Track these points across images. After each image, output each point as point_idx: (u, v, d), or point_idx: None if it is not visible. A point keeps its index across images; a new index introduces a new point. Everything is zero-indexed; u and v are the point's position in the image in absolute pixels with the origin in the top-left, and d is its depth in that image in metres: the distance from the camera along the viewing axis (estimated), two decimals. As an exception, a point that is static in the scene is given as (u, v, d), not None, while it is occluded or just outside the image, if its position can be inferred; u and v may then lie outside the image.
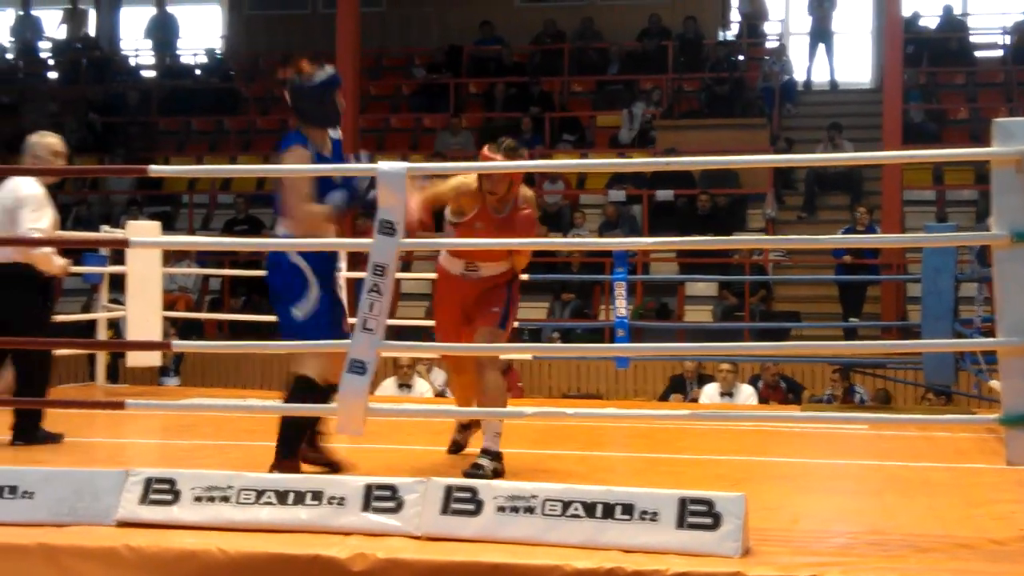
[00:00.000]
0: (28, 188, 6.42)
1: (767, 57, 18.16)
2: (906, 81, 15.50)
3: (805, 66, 18.41)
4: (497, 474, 5.27)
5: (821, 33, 18.12)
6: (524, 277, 11.64)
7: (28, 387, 6.30)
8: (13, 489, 4.39)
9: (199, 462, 5.41)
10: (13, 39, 21.43)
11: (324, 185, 4.98)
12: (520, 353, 11.04)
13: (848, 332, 12.89)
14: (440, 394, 10.95)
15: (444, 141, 16.87)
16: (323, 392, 5.02)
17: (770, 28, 19.39)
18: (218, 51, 21.02)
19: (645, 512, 3.97)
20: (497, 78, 18.24)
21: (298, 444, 5.07)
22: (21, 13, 21.35)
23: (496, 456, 5.40)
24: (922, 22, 18.32)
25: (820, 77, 18.33)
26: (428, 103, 18.15)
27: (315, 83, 5.08)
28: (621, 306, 9.44)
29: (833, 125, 15.58)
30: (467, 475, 5.10)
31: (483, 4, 19.36)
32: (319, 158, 5.08)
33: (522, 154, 5.79)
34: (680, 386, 11.19)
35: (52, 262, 6.44)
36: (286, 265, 5.02)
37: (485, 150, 5.66)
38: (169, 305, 9.53)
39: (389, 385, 10.26)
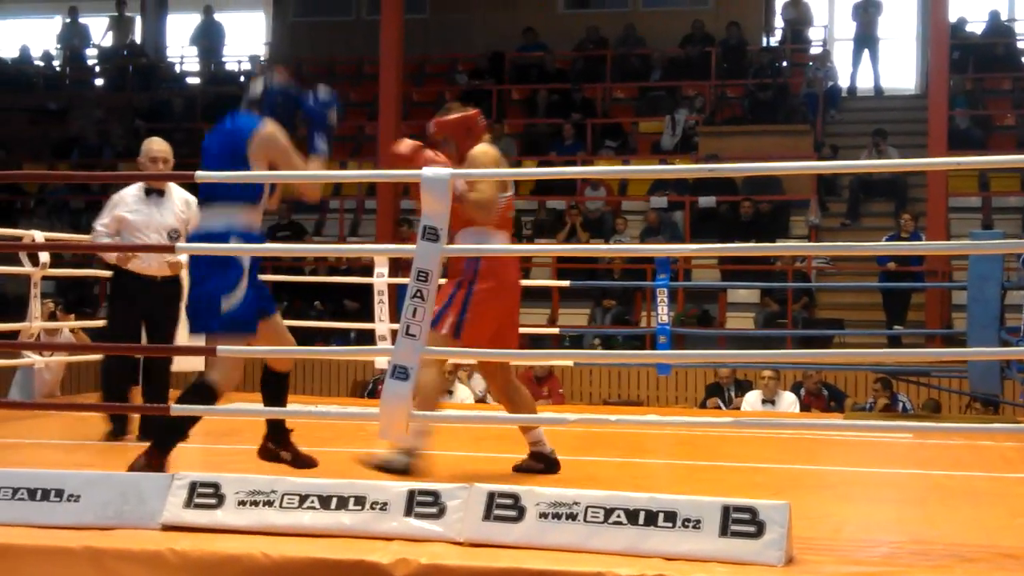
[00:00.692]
0: (126, 191, 6.85)
1: (811, 63, 18.06)
2: (952, 87, 15.38)
3: (849, 72, 18.31)
4: (403, 469, 5.08)
5: (866, 39, 18.01)
6: (564, 284, 11.81)
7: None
8: (59, 492, 4.43)
9: (241, 466, 5.43)
10: (61, 46, 21.66)
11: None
12: (561, 359, 11.04)
13: (892, 340, 12.79)
14: (481, 400, 10.97)
15: (486, 147, 16.88)
16: (214, 399, 5.06)
17: (814, 34, 19.29)
18: (262, 58, 21.15)
19: (688, 520, 3.95)
20: (539, 84, 18.26)
21: (171, 445, 5.06)
22: (69, 21, 21.57)
23: (409, 452, 5.17)
24: (968, 28, 18.18)
25: (864, 83, 18.21)
26: (470, 109, 18.17)
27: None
28: (663, 312, 9.43)
29: (878, 131, 15.49)
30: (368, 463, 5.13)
31: (526, 11, 19.39)
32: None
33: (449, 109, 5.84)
34: (720, 393, 11.15)
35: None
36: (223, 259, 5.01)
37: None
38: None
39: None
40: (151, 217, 6.74)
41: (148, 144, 6.86)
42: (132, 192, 6.87)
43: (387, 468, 5.12)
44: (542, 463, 5.69)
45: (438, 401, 5.51)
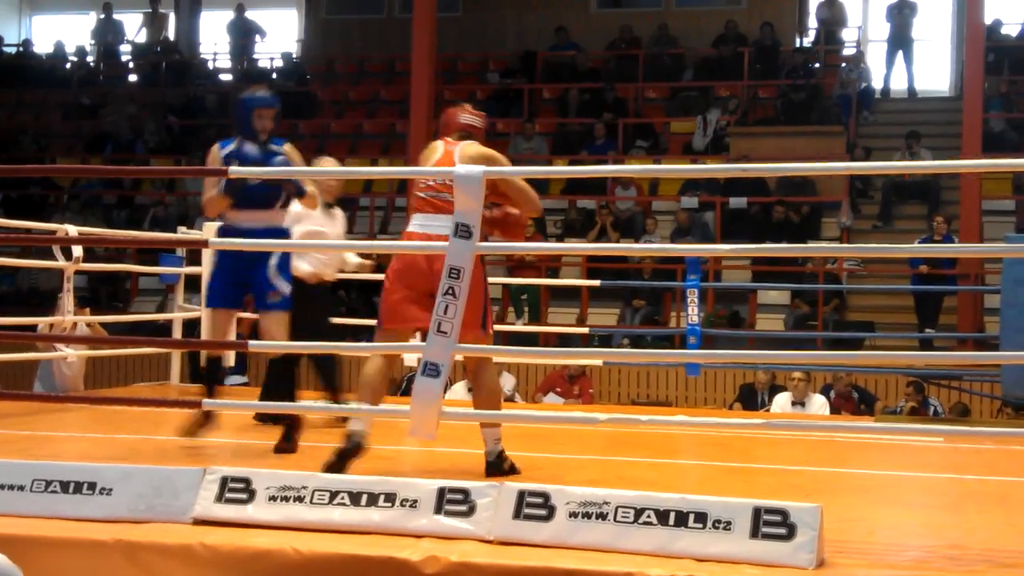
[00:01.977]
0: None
1: (844, 64, 17.96)
2: (986, 89, 15.27)
3: (883, 73, 18.20)
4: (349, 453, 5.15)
5: (900, 40, 17.90)
6: (595, 283, 11.79)
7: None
8: (92, 485, 4.46)
9: (271, 462, 5.45)
10: (95, 42, 21.79)
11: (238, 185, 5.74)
12: (590, 359, 11.02)
13: (924, 343, 12.72)
14: (509, 398, 10.96)
15: (517, 146, 16.90)
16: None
17: (848, 35, 19.19)
18: (294, 55, 21.22)
19: (719, 521, 3.94)
20: (571, 84, 18.24)
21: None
22: (103, 17, 21.69)
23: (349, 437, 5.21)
24: (1004, 30, 18.03)
25: (898, 85, 18.10)
26: (502, 108, 18.19)
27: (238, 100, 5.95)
28: (693, 313, 9.40)
29: (911, 133, 15.40)
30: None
31: (559, 10, 19.37)
32: (239, 158, 5.87)
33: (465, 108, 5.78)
34: (750, 396, 11.10)
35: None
36: None
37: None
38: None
39: (459, 388, 10.27)
40: (330, 228, 7.19)
41: (318, 162, 7.48)
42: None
43: (338, 458, 5.09)
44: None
45: (382, 393, 5.48)
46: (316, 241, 6.83)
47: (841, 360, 9.65)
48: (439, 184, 5.26)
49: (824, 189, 15.44)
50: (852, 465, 6.45)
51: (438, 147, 5.44)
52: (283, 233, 6.13)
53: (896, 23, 17.87)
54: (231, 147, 5.99)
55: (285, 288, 6.08)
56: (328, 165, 7.42)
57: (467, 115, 5.61)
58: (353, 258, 7.53)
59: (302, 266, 7.06)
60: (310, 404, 7.00)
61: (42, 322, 8.51)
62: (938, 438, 7.37)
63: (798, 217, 14.79)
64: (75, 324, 8.37)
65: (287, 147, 6.08)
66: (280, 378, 6.59)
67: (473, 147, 5.37)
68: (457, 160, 5.22)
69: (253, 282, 6.03)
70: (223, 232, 6.09)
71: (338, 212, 7.42)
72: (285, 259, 6.13)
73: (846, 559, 3.97)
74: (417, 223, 5.32)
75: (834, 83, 17.38)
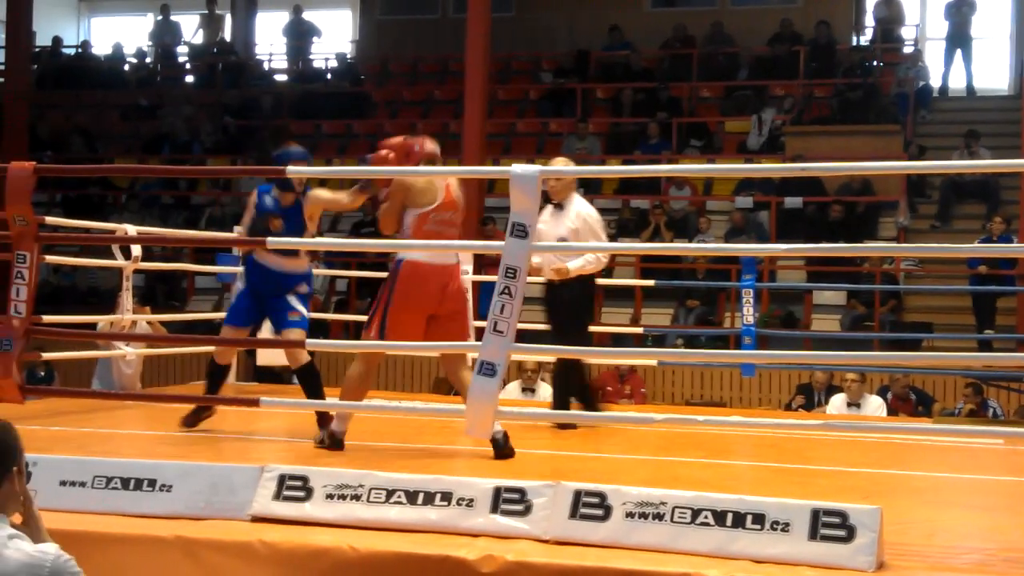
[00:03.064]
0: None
1: (902, 63, 17.78)
2: (1047, 87, 15.08)
3: (941, 72, 17.99)
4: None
5: (959, 38, 17.68)
6: (649, 283, 11.74)
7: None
8: (152, 482, 4.50)
9: (327, 460, 5.48)
10: (152, 44, 22.02)
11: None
12: (645, 359, 10.99)
13: (982, 344, 12.57)
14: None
15: (570, 146, 16.89)
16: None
17: (906, 33, 19.00)
18: (349, 56, 21.31)
19: (777, 522, 3.91)
20: (625, 83, 18.18)
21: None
22: (160, 19, 21.91)
23: (331, 436, 5.98)
24: (1064, 28, 17.81)
25: (957, 83, 17.89)
26: (555, 108, 18.18)
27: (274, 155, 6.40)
28: (748, 313, 9.34)
29: (970, 132, 15.22)
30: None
31: (613, 9, 19.32)
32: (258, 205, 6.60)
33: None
34: (808, 395, 11.02)
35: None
36: None
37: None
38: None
39: (513, 389, 10.28)
40: (550, 228, 7.25)
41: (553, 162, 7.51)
42: (548, 207, 7.40)
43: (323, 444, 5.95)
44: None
45: (363, 393, 6.11)
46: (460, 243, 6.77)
47: (898, 361, 9.56)
48: (447, 220, 6.00)
49: (881, 188, 15.28)
50: (910, 467, 6.39)
51: (439, 184, 6.01)
52: (307, 278, 6.74)
53: (955, 21, 17.66)
54: (267, 196, 6.55)
55: (303, 310, 6.64)
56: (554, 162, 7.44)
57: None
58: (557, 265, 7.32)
59: (534, 259, 7.13)
60: (376, 403, 7.03)
61: (102, 320, 8.60)
62: (998, 440, 7.28)
63: (862, 209, 14.66)
64: (134, 322, 8.44)
65: (312, 193, 6.56)
66: (568, 384, 7.17)
67: (455, 180, 6.02)
68: (454, 192, 6.05)
69: (274, 308, 6.66)
70: (250, 264, 6.69)
71: (573, 212, 7.32)
72: (304, 294, 6.70)
73: (906, 562, 3.93)
74: (428, 256, 5.91)
75: (891, 82, 17.20)
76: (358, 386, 6.04)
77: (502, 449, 5.82)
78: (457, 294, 6.13)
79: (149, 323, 9.17)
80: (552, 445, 6.51)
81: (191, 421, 6.69)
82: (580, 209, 7.35)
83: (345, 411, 6.04)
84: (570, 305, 7.31)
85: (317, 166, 16.41)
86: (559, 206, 7.31)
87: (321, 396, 6.54)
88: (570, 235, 7.16)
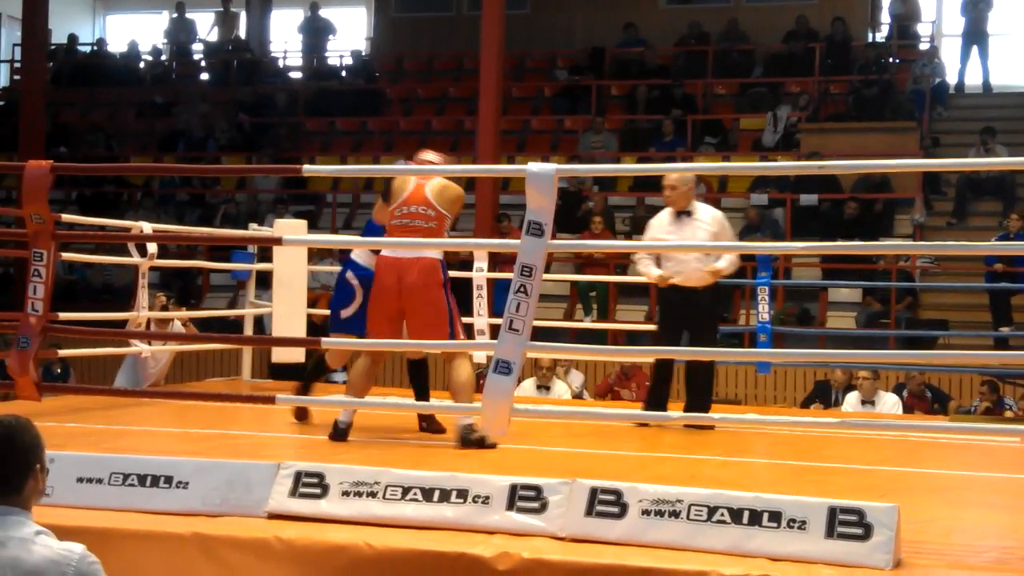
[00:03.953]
0: (659, 216, 7.59)
1: (918, 59, 17.72)
2: (1064, 84, 15.01)
3: (957, 68, 17.92)
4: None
5: (975, 34, 17.62)
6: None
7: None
8: (168, 479, 4.51)
9: (342, 457, 5.48)
10: (168, 41, 22.07)
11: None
12: (659, 356, 10.94)
13: (999, 342, 12.52)
14: (578, 396, 10.95)
15: (585, 143, 16.87)
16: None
17: (922, 29, 18.93)
18: (364, 53, 21.33)
19: (793, 520, 3.90)
20: (640, 80, 18.16)
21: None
22: (176, 16, 21.96)
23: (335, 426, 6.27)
24: (1082, 24, 17.72)
25: (973, 80, 17.82)
26: (569, 105, 18.17)
27: None
28: (764, 310, 9.32)
29: (986, 129, 15.16)
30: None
31: (627, 6, 19.31)
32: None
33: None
34: (825, 393, 10.99)
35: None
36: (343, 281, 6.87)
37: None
38: (311, 303, 9.71)
39: (528, 386, 10.28)
40: (681, 235, 7.25)
41: (666, 177, 7.59)
42: (663, 217, 7.48)
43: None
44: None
45: (369, 385, 6.47)
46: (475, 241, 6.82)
47: (914, 359, 9.52)
48: (411, 213, 6.21)
49: (897, 186, 15.24)
50: (927, 465, 6.37)
51: (410, 180, 6.29)
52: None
53: (971, 17, 17.60)
54: None
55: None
56: (681, 174, 7.50)
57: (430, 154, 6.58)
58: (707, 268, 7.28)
59: (653, 270, 7.27)
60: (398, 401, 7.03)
61: (120, 317, 8.62)
62: (1014, 438, 7.25)
63: (878, 207, 14.60)
64: (149, 320, 8.46)
65: None
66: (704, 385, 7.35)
67: (437, 180, 6.28)
68: (427, 190, 6.22)
69: None
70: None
71: (707, 216, 7.35)
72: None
73: (923, 560, 3.92)
74: (386, 250, 6.24)
75: (907, 78, 17.15)
76: (364, 378, 6.35)
77: (468, 442, 6.01)
78: (415, 289, 6.16)
79: (183, 323, 9.23)
80: (565, 442, 6.51)
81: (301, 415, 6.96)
82: (713, 213, 7.45)
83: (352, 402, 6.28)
84: (709, 309, 7.44)
85: (331, 163, 16.53)
86: (684, 213, 7.33)
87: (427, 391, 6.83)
88: (710, 240, 7.21)
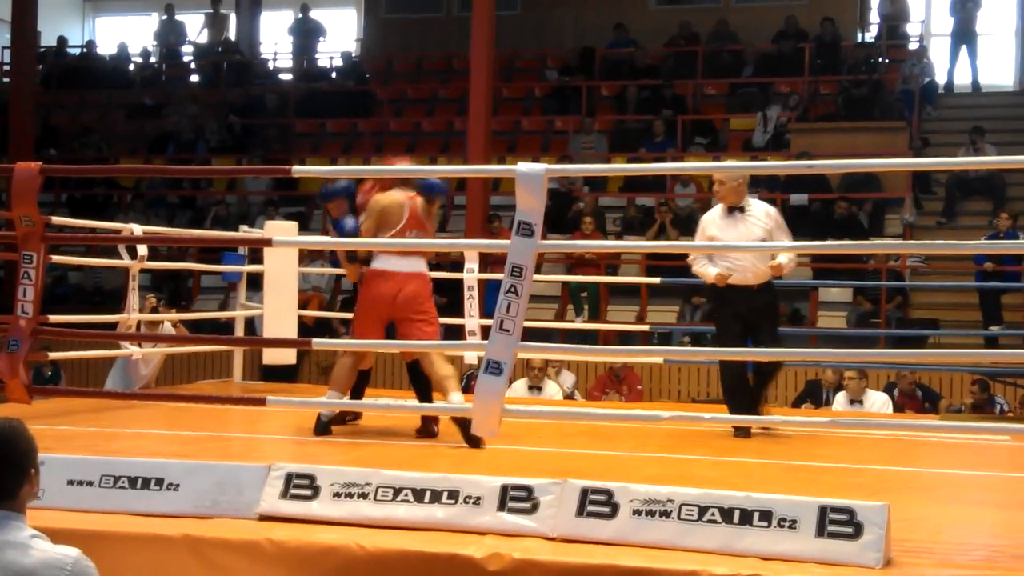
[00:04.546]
0: (711, 213, 7.35)
1: (907, 59, 17.76)
2: (1052, 83, 15.06)
3: (946, 68, 17.97)
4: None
5: (964, 34, 17.67)
6: (655, 280, 11.73)
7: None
8: (159, 481, 4.51)
9: (333, 459, 5.48)
10: (157, 43, 22.04)
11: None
12: (651, 356, 10.98)
13: (989, 341, 12.55)
14: (569, 396, 10.96)
15: (576, 143, 16.88)
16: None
17: (911, 29, 18.97)
18: (354, 54, 21.32)
19: (784, 519, 3.91)
20: (630, 80, 18.18)
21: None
22: (165, 18, 21.93)
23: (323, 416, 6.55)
24: (1070, 23, 17.78)
25: (962, 79, 17.86)
26: (560, 105, 18.17)
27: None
28: (754, 311, 9.29)
29: (975, 128, 15.20)
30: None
31: (617, 7, 19.32)
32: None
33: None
34: (816, 393, 11.01)
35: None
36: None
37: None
38: (302, 304, 9.71)
39: (519, 387, 10.29)
40: (735, 232, 7.07)
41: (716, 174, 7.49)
42: (715, 213, 7.28)
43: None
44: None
45: (352, 380, 6.68)
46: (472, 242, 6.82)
47: (905, 358, 9.54)
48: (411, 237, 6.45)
49: (887, 185, 15.27)
50: (917, 464, 6.39)
51: (404, 202, 6.49)
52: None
53: (960, 17, 17.64)
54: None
55: None
56: (729, 170, 7.35)
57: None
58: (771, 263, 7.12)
59: (710, 270, 7.09)
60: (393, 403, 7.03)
61: (111, 319, 8.61)
62: (1004, 436, 7.28)
63: (868, 208, 14.61)
64: (139, 322, 8.45)
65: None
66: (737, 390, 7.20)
67: (417, 199, 6.53)
68: (419, 212, 6.50)
69: None
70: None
71: (760, 212, 7.17)
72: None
73: (913, 558, 3.93)
74: (385, 263, 6.45)
75: (896, 78, 17.19)
76: (348, 374, 6.63)
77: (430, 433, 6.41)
78: (409, 301, 6.47)
79: (174, 324, 9.21)
80: (556, 443, 6.52)
81: (338, 420, 6.87)
82: (767, 208, 7.27)
83: (337, 396, 6.49)
84: (772, 306, 7.31)
85: (321, 165, 16.52)
86: (737, 209, 7.12)
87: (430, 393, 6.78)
88: (766, 236, 7.02)
